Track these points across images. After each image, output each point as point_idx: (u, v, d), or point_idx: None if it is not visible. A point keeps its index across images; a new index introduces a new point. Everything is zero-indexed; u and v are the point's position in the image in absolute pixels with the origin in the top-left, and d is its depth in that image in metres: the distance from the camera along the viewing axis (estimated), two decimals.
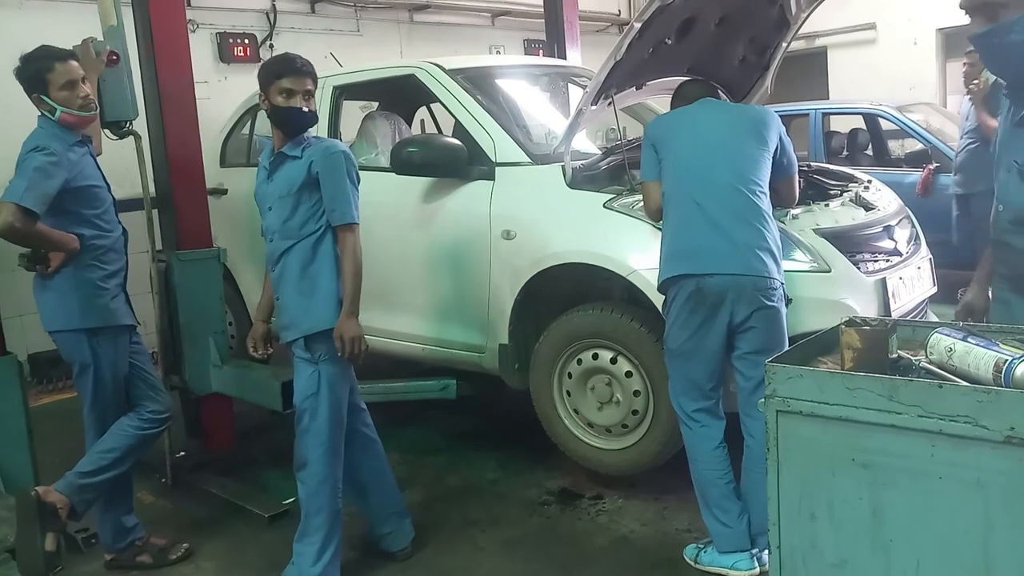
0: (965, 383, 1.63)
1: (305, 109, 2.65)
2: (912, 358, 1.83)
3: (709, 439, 2.71)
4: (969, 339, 1.72)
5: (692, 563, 2.77)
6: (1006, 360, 1.59)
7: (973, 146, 5.17)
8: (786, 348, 2.51)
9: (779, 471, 1.80)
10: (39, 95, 2.73)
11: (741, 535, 2.68)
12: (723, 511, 2.69)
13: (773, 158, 2.74)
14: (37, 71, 2.71)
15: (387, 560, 2.96)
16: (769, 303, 2.58)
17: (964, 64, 5.23)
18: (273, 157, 2.72)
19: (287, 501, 3.35)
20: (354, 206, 2.68)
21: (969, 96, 5.17)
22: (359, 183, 2.73)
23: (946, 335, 1.77)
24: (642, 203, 2.92)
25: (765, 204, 2.65)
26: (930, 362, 1.78)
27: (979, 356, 1.65)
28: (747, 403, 2.65)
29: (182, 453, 3.82)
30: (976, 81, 5.02)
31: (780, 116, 2.87)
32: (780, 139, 2.79)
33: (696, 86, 3.02)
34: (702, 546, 2.78)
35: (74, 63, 2.77)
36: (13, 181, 2.60)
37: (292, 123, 2.67)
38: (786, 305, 2.67)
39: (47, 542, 2.65)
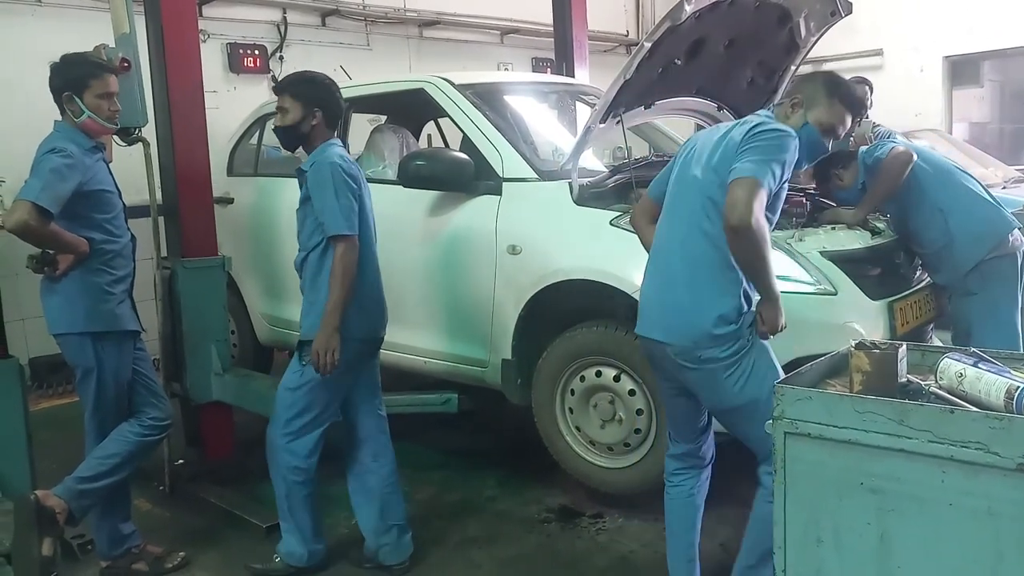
0: (977, 409, 1.62)
1: (276, 125, 2.84)
2: (922, 383, 1.82)
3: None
4: (980, 365, 1.71)
5: None
6: (1018, 387, 1.58)
7: None
8: (731, 404, 2.27)
9: (786, 495, 1.79)
10: (72, 94, 2.74)
11: None
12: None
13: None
14: (83, 74, 2.76)
15: (384, 574, 2.94)
16: (692, 367, 2.26)
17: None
18: (298, 171, 2.85)
19: None
20: (342, 216, 2.64)
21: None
22: (357, 190, 2.73)
23: (956, 360, 1.76)
24: None
25: (706, 256, 2.24)
26: (940, 387, 1.77)
27: (990, 382, 1.64)
28: None
29: (181, 461, 3.79)
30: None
31: None
32: (734, 149, 2.21)
33: None
34: None
35: (115, 78, 2.86)
36: (29, 181, 2.63)
37: (279, 140, 2.92)
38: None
39: (44, 547, 2.62)
